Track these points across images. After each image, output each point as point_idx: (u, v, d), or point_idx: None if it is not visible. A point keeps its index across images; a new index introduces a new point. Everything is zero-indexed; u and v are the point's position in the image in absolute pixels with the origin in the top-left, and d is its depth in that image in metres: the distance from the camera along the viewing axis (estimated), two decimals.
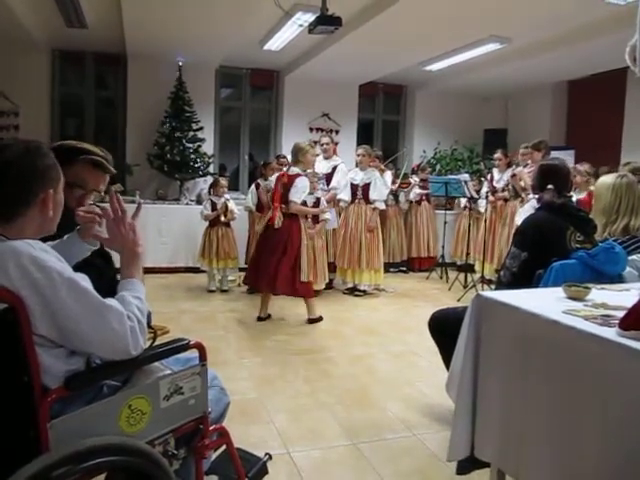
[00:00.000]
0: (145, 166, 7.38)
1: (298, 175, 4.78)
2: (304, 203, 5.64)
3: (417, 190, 7.55)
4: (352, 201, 6.07)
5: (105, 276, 1.91)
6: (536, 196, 2.87)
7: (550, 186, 2.69)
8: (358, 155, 6.16)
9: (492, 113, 9.28)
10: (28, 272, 1.26)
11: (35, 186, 1.41)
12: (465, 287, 6.23)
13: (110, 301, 1.38)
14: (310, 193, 5.73)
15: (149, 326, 1.56)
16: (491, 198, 6.67)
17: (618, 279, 2.37)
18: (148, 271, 6.89)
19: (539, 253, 2.47)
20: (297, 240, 4.74)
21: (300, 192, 4.73)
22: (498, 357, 1.89)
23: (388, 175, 6.82)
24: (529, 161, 5.94)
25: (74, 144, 2.11)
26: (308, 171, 6.07)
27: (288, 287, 4.74)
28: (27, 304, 1.25)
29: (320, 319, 4.86)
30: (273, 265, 4.71)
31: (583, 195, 5.00)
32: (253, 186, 6.19)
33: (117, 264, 1.63)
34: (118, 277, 1.56)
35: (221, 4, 5.24)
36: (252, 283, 5.15)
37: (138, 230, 1.57)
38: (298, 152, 4.86)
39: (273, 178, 5.98)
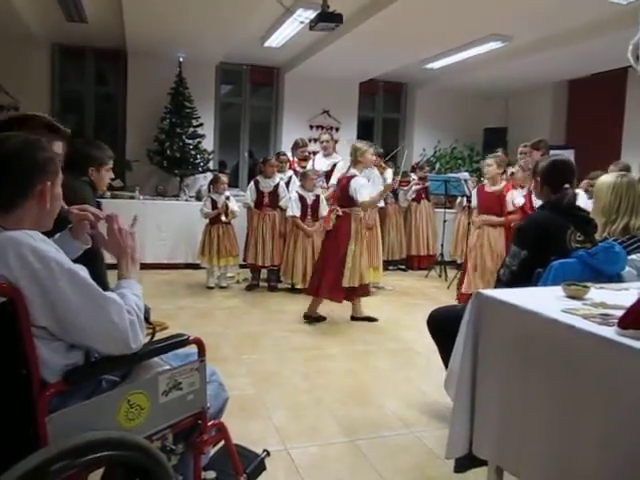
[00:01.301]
0: (145, 162, 7.38)
1: (353, 176, 4.73)
2: (304, 200, 5.64)
3: (413, 187, 7.55)
4: None
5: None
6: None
7: (567, 185, 2.65)
8: None
9: (492, 112, 9.27)
10: (28, 262, 1.27)
11: (34, 178, 1.41)
12: None
13: (110, 294, 1.38)
14: (309, 190, 5.75)
15: (148, 322, 1.56)
16: None
17: (617, 278, 2.37)
18: (147, 267, 6.89)
19: (539, 252, 2.47)
20: (345, 243, 4.67)
21: (361, 191, 4.61)
22: (497, 355, 1.90)
23: (389, 173, 6.81)
24: (528, 160, 5.93)
25: (24, 114, 2.04)
26: (308, 168, 6.10)
27: (329, 291, 4.70)
28: (27, 295, 1.26)
29: (320, 319, 4.84)
30: (318, 268, 4.79)
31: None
32: (252, 183, 6.18)
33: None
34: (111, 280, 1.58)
35: (222, 0, 5.22)
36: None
37: (136, 238, 1.60)
38: (356, 152, 4.81)
39: (274, 176, 6.01)
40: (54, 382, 1.31)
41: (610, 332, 1.51)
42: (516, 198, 4.82)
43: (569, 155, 6.77)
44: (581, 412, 1.54)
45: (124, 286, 1.49)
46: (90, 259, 2.00)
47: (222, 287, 6.04)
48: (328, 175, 6.08)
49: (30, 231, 1.34)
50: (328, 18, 4.61)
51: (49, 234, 1.50)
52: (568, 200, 2.62)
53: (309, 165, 6.31)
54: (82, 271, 1.36)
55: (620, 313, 1.55)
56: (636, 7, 4.88)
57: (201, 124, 7.53)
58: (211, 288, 5.98)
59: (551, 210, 2.65)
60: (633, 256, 2.56)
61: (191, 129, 7.41)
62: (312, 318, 4.79)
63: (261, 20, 5.98)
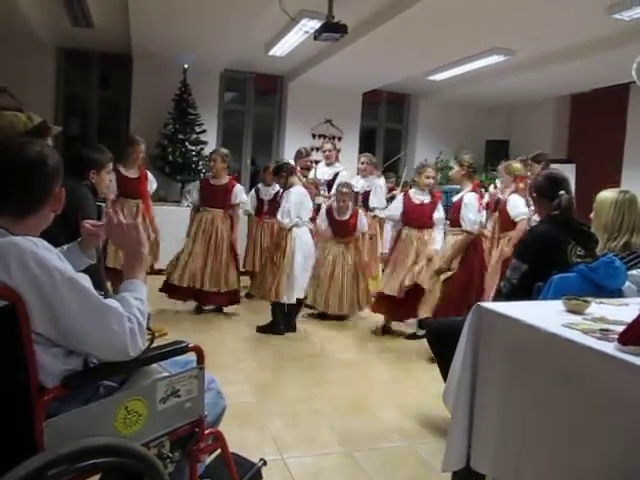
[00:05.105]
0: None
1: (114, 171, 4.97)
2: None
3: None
4: None
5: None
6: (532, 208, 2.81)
7: (562, 192, 2.66)
8: (362, 163, 6.16)
9: (495, 124, 9.30)
10: (29, 269, 1.26)
11: (53, 184, 1.43)
12: None
13: (111, 302, 1.37)
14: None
15: (147, 328, 1.56)
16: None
17: (618, 293, 2.37)
18: (146, 273, 6.82)
19: (540, 265, 2.47)
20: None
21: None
22: (496, 368, 1.89)
23: (382, 181, 6.78)
24: (528, 173, 5.94)
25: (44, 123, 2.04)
26: (309, 177, 6.09)
27: None
28: (27, 301, 1.25)
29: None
30: None
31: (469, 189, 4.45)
32: (253, 190, 6.19)
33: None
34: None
35: (228, 9, 5.25)
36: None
37: (141, 229, 1.57)
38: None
39: (274, 184, 5.99)
40: (52, 387, 1.30)
41: (610, 348, 1.51)
42: (238, 194, 5.29)
43: (570, 169, 6.81)
44: (580, 427, 1.53)
45: (128, 289, 1.47)
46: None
47: None
48: (330, 184, 6.09)
49: (34, 238, 1.34)
50: (333, 28, 4.63)
51: (57, 244, 1.50)
52: (564, 204, 2.62)
53: (311, 174, 6.32)
54: (84, 280, 1.36)
55: (620, 329, 1.54)
56: (639, 23, 4.92)
57: (204, 131, 7.55)
58: None
59: (552, 224, 2.65)
60: (633, 271, 2.56)
61: (194, 135, 7.43)
62: None
63: (266, 29, 6.01)
